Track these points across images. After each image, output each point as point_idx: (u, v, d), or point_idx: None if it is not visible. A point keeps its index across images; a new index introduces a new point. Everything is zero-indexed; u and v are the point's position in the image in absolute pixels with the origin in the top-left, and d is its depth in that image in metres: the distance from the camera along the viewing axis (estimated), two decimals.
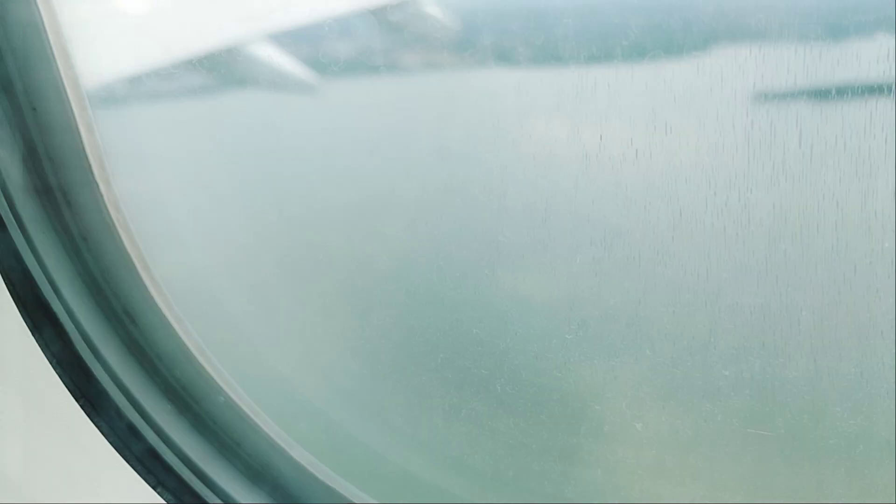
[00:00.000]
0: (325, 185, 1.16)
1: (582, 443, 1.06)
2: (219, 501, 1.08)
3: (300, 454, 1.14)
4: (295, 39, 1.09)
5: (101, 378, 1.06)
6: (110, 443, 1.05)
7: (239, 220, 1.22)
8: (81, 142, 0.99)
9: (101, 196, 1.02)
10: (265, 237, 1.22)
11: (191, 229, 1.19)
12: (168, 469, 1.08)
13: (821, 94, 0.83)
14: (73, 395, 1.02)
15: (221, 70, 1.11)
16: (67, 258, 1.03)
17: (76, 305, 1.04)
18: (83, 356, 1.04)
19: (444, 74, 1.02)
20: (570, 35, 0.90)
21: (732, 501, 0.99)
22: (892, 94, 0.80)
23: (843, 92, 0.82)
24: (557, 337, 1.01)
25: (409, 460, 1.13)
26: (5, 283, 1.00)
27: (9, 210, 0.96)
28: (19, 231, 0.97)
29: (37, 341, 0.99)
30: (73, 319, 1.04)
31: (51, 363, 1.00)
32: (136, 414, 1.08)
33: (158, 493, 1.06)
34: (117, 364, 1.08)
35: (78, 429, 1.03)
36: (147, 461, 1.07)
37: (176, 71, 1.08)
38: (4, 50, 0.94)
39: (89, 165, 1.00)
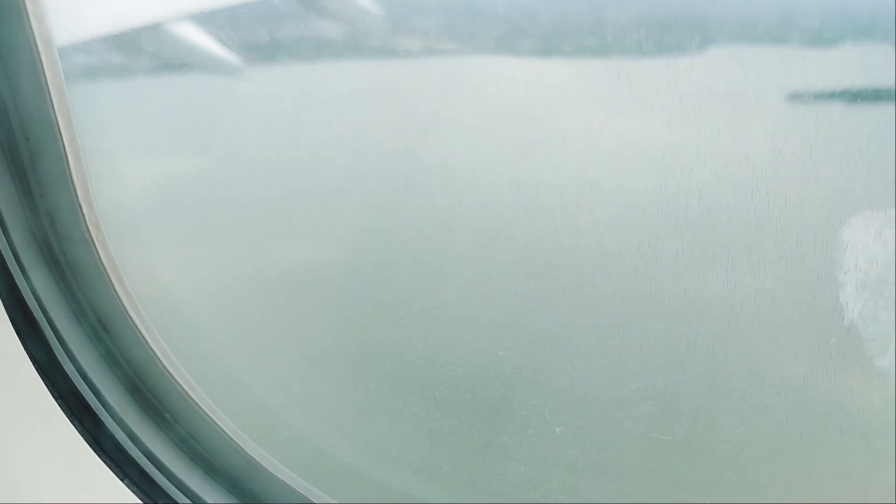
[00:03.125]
0: (276, 181, 1.26)
1: (509, 443, 1.21)
2: (182, 497, 1.19)
3: (254, 450, 1.26)
4: (218, 20, 1.15)
5: (75, 380, 1.15)
6: (84, 439, 1.15)
7: (195, 224, 1.32)
8: (69, 167, 1.08)
9: (84, 216, 1.11)
10: (221, 244, 1.32)
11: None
12: (135, 465, 1.19)
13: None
14: (52, 396, 1.12)
15: (143, 50, 1.18)
16: (49, 271, 1.13)
17: (55, 314, 1.13)
18: (59, 359, 1.13)
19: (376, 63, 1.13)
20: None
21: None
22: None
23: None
24: (493, 353, 1.16)
25: (356, 457, 1.26)
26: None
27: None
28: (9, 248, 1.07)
29: (22, 345, 1.08)
30: (52, 326, 1.13)
31: (33, 365, 1.10)
32: (107, 413, 1.18)
33: (126, 486, 1.17)
34: (88, 366, 1.18)
35: (56, 426, 1.13)
36: (116, 457, 1.17)
37: (95, 49, 1.14)
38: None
39: (74, 189, 1.10)
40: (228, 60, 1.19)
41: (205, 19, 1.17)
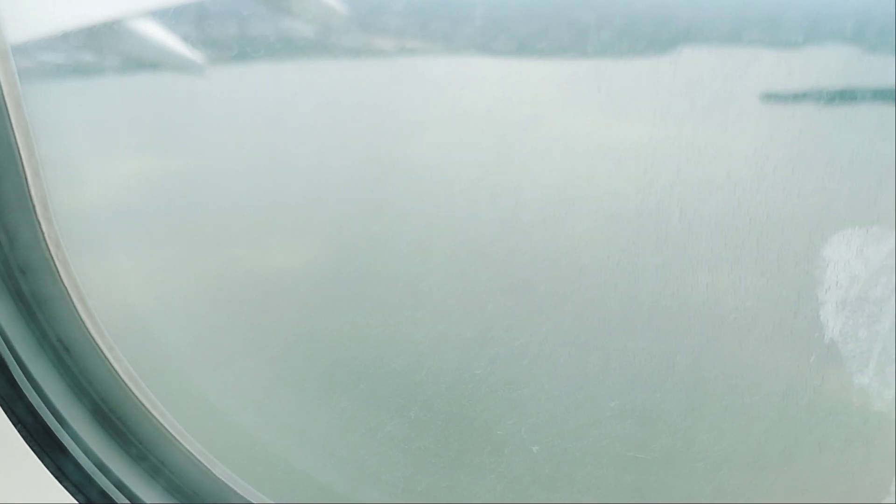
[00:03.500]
0: (245, 188, 1.23)
1: (485, 462, 1.19)
2: None
3: (223, 472, 1.22)
4: (179, 17, 1.12)
5: (34, 402, 1.11)
6: (44, 464, 1.10)
7: (158, 238, 1.28)
8: (27, 184, 1.04)
9: (43, 234, 1.07)
10: (186, 257, 1.28)
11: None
12: (96, 488, 1.15)
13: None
14: (11, 421, 1.07)
15: (102, 47, 1.13)
16: (7, 290, 1.08)
17: (14, 335, 1.09)
18: (19, 383, 1.09)
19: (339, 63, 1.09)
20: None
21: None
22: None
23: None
24: (469, 371, 1.13)
25: (329, 476, 1.23)
26: None
27: None
28: None
29: None
30: (10, 349, 1.08)
31: None
32: (69, 437, 1.14)
33: None
34: (49, 389, 1.14)
35: (14, 451, 1.08)
36: (77, 480, 1.13)
37: (53, 46, 1.10)
38: None
39: (33, 205, 1.05)
40: (192, 59, 1.15)
41: (166, 16, 1.13)
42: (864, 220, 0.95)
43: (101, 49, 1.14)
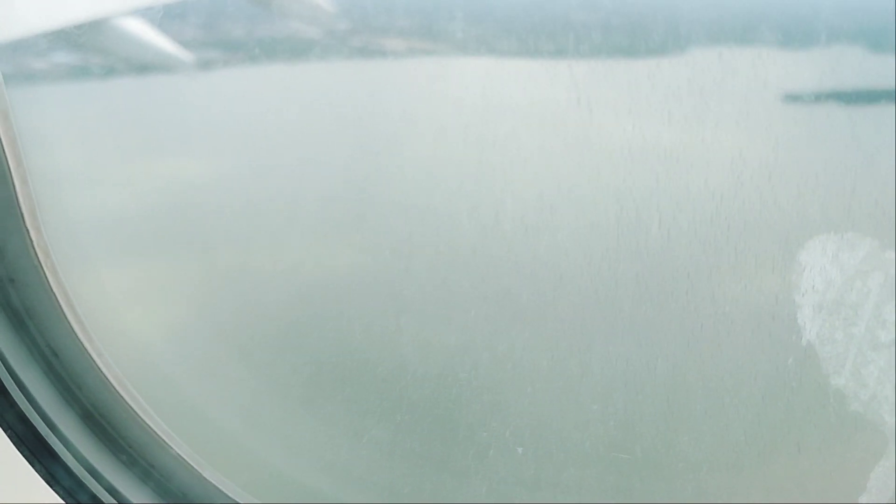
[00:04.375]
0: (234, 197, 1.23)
1: (470, 464, 1.20)
2: None
3: (211, 474, 1.24)
4: (166, 15, 1.10)
5: (24, 408, 1.12)
6: (34, 469, 1.12)
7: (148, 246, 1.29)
8: (15, 192, 1.05)
9: (32, 242, 1.08)
10: (172, 265, 1.29)
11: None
12: (87, 492, 1.16)
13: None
14: (0, 426, 1.09)
15: (86, 46, 1.11)
16: None
17: (3, 343, 1.10)
18: (9, 389, 1.10)
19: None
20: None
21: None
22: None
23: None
24: (452, 376, 1.15)
25: (316, 479, 1.25)
26: None
27: None
28: None
29: None
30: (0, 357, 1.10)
31: None
32: (59, 442, 1.15)
33: None
34: (39, 395, 1.15)
35: (5, 456, 1.10)
36: (68, 485, 1.15)
37: (35, 46, 1.10)
38: None
39: (21, 214, 1.06)
40: (181, 59, 1.16)
41: (155, 16, 1.13)
42: (839, 227, 0.97)
43: (86, 50, 1.15)
